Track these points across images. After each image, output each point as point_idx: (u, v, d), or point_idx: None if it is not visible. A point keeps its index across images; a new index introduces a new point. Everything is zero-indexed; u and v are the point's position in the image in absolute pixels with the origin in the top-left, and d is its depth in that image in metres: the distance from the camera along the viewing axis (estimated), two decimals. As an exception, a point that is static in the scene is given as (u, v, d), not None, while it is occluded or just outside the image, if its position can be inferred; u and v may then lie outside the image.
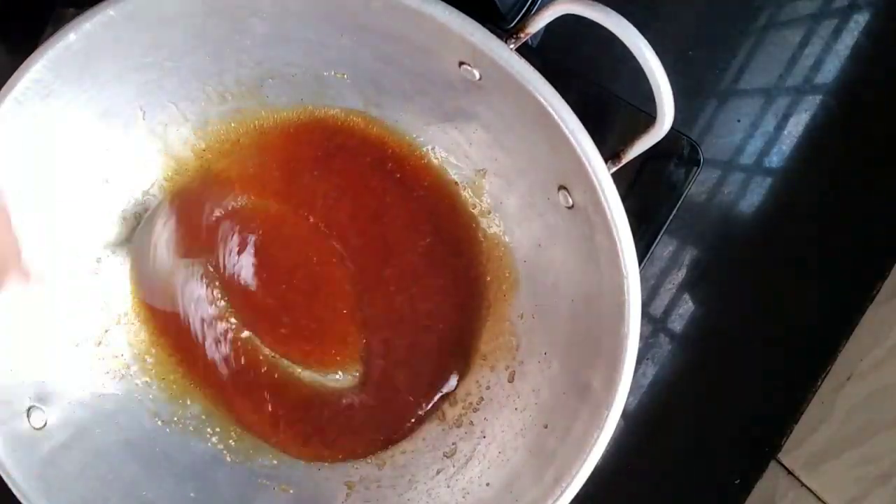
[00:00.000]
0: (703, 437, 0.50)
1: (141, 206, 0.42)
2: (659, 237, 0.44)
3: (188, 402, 0.44)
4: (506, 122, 0.36)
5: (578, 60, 0.46)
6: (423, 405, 0.43)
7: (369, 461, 0.43)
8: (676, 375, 0.49)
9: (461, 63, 0.33)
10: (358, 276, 0.43)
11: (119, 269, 0.43)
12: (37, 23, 0.44)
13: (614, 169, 0.32)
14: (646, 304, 0.49)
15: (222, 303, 0.43)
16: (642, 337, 0.41)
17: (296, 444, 0.43)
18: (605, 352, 0.35)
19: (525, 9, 0.42)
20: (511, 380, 0.42)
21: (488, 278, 0.43)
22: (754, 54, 0.47)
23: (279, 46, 0.37)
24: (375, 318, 0.43)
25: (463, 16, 0.31)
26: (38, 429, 0.37)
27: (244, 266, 0.42)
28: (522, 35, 0.31)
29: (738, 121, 0.47)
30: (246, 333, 0.43)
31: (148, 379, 0.43)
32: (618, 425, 0.34)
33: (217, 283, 0.43)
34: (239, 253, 0.42)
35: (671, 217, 0.44)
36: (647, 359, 0.49)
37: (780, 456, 0.50)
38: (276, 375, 0.43)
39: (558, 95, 0.31)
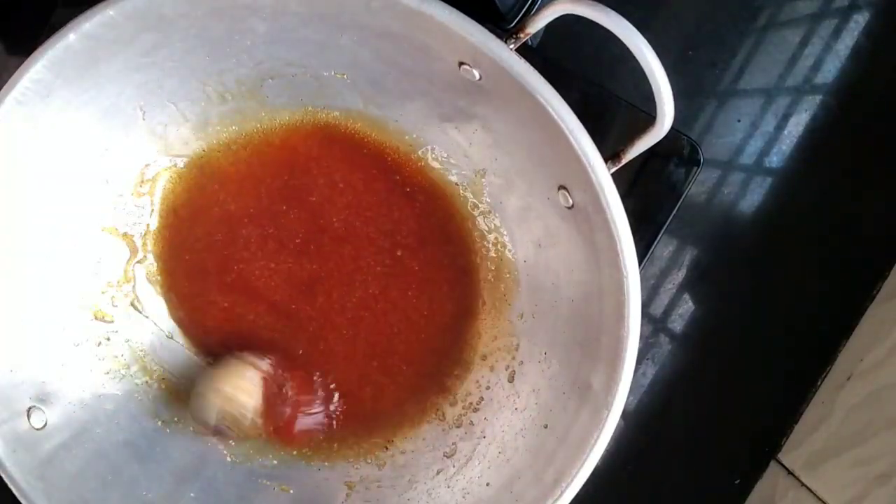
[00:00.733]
0: (703, 437, 0.50)
1: (141, 206, 0.42)
2: (659, 237, 0.44)
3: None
4: (506, 123, 0.36)
5: (578, 60, 0.46)
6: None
7: (369, 461, 0.43)
8: (676, 375, 0.49)
9: (461, 63, 0.33)
10: (355, 273, 0.43)
11: (119, 269, 0.43)
12: (37, 23, 0.44)
13: (614, 169, 0.33)
14: (646, 304, 0.49)
15: None
16: (642, 337, 0.41)
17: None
18: (605, 352, 0.35)
19: (525, 9, 0.42)
20: (511, 380, 0.42)
21: (488, 278, 0.43)
22: (754, 54, 0.47)
23: (279, 46, 0.37)
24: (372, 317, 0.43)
25: (463, 16, 0.31)
26: (38, 429, 0.37)
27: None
28: (522, 35, 0.31)
29: (738, 121, 0.47)
30: None
31: (148, 379, 0.43)
32: (618, 425, 0.34)
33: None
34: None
35: (671, 217, 0.44)
36: (647, 359, 0.49)
37: (780, 456, 0.50)
38: None
39: (558, 95, 0.31)
